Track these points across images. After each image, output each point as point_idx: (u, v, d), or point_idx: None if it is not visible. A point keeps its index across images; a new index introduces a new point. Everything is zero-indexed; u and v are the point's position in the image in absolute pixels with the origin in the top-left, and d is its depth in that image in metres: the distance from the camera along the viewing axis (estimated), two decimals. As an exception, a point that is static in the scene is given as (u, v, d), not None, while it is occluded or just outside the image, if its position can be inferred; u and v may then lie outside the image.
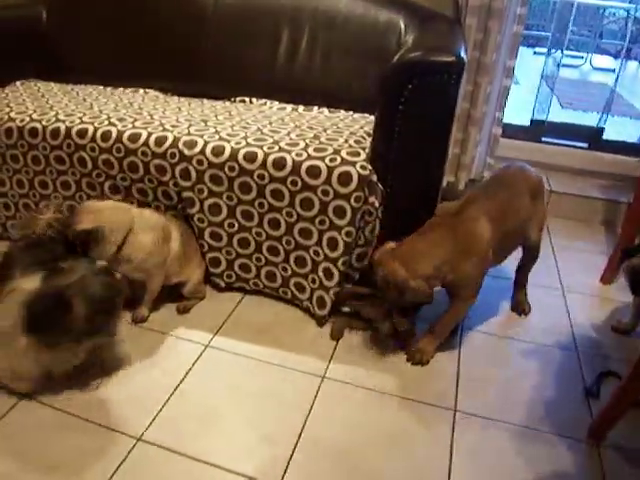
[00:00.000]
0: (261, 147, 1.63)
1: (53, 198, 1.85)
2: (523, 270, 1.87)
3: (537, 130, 2.80)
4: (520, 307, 1.87)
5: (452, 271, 1.49)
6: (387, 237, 1.61)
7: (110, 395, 1.43)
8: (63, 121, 1.77)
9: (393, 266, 1.46)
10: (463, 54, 1.54)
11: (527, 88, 5.33)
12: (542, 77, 4.78)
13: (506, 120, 2.51)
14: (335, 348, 1.65)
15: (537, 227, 1.74)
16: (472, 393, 1.51)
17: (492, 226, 1.53)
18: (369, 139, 1.71)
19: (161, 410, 1.39)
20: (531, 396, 1.52)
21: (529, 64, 6.46)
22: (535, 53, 7.29)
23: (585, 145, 2.73)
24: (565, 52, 6.13)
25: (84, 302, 1.23)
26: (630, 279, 1.57)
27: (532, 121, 2.93)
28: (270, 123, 1.83)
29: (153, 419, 1.36)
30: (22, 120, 1.79)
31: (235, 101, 2.20)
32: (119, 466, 1.24)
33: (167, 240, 1.66)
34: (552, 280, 2.09)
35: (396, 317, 1.58)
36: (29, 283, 1.26)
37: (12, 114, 1.82)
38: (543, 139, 2.75)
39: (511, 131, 2.68)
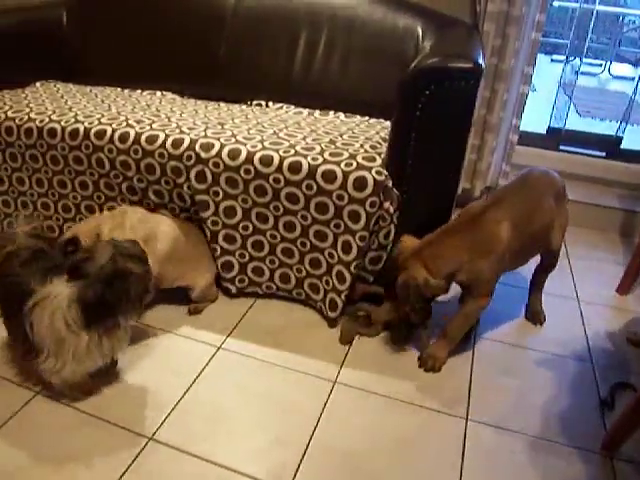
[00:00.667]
0: (277, 151, 1.63)
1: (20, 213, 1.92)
2: (540, 276, 1.85)
3: (554, 138, 2.77)
4: (535, 316, 1.85)
5: (469, 270, 1.50)
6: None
7: (123, 394, 1.44)
8: (82, 122, 1.79)
9: (415, 270, 1.49)
10: (481, 60, 1.54)
11: (544, 96, 5.29)
12: (560, 85, 4.75)
13: (523, 128, 2.49)
14: (347, 353, 1.65)
15: (559, 232, 1.72)
16: (485, 402, 1.50)
17: (514, 229, 1.53)
18: (385, 144, 1.71)
19: (173, 410, 1.40)
20: (545, 406, 1.51)
21: (546, 71, 6.42)
22: (552, 60, 7.25)
23: (602, 154, 2.70)
24: (584, 60, 6.08)
25: (136, 262, 1.30)
26: None
27: (549, 129, 2.91)
28: (286, 127, 1.84)
29: (165, 419, 1.37)
30: (41, 121, 1.81)
31: (251, 104, 2.21)
32: (130, 464, 1.24)
33: (147, 241, 1.61)
34: (567, 290, 2.07)
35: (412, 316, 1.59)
36: (58, 287, 1.25)
37: (32, 114, 1.84)
38: (560, 147, 2.73)
39: (528, 139, 2.66)
